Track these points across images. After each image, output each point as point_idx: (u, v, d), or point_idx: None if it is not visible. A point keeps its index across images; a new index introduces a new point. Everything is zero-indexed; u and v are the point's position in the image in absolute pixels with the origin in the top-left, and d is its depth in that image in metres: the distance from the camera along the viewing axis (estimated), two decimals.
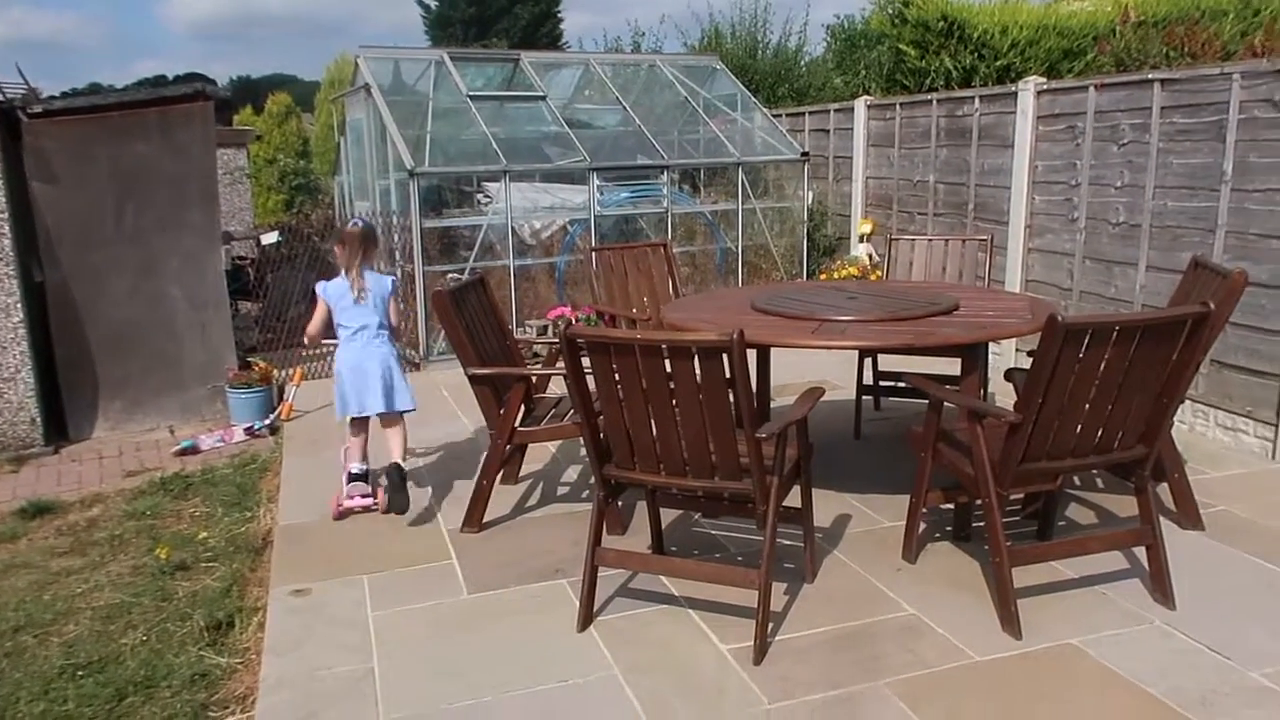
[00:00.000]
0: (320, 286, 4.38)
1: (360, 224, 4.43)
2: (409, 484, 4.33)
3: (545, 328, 7.22)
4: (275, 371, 6.38)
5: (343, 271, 4.33)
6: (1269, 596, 3.29)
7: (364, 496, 4.32)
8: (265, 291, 7.25)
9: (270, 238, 7.35)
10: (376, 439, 4.40)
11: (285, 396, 6.08)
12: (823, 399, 3.45)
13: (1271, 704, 2.66)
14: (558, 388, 4.87)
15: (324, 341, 4.50)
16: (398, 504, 4.25)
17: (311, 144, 15.85)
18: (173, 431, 6.06)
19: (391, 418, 4.37)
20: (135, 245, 6.05)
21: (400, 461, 4.31)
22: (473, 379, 4.01)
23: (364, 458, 4.40)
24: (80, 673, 3.15)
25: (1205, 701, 2.67)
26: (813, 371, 6.09)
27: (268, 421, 5.85)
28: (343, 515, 4.26)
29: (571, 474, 4.74)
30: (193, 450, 5.57)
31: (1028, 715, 2.64)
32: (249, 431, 5.78)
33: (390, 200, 7.63)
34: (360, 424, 4.40)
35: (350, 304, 4.28)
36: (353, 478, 4.35)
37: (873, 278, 7.50)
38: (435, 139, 7.58)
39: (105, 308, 6.02)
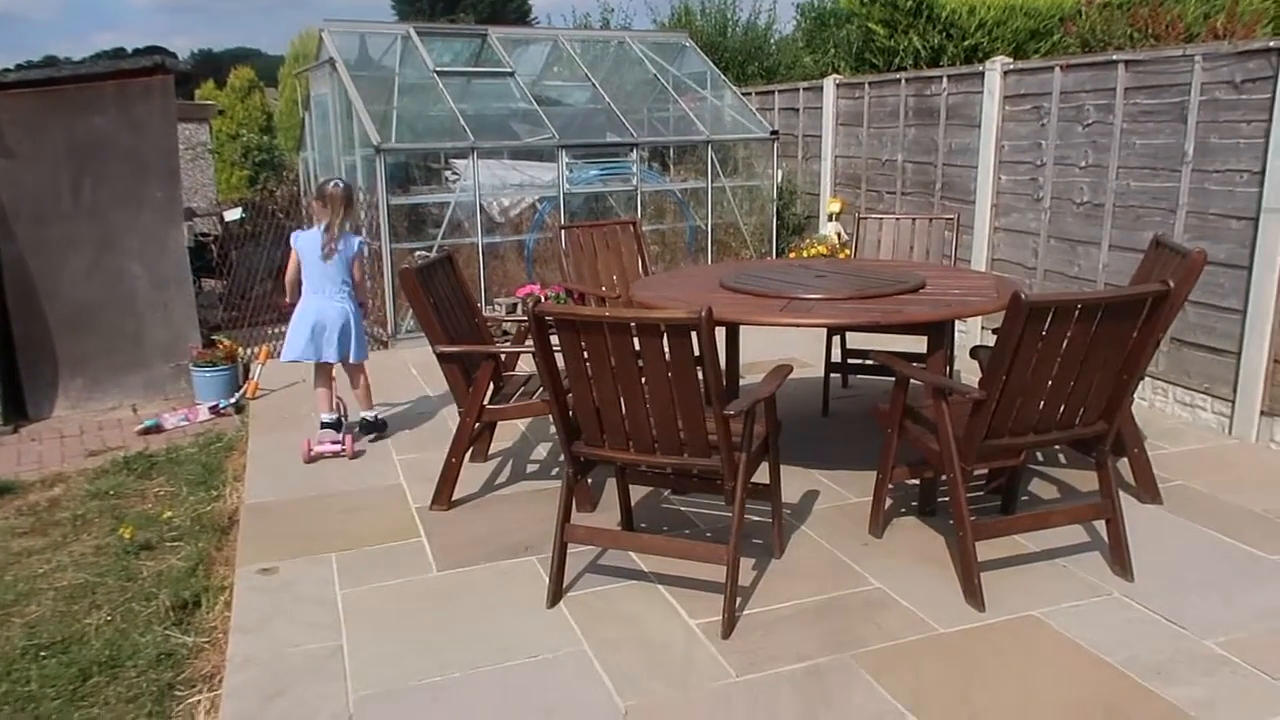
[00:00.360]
0: (294, 236, 4.76)
1: (340, 184, 4.74)
2: (379, 418, 4.91)
3: (514, 305, 7.20)
4: (240, 350, 6.31)
5: (317, 224, 4.69)
6: (1224, 568, 3.37)
7: (333, 443, 4.67)
8: (229, 269, 7.15)
9: (234, 214, 7.24)
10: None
11: (251, 375, 6.02)
12: (791, 376, 3.48)
13: (1224, 671, 2.73)
14: (527, 366, 4.86)
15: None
16: (379, 430, 4.86)
17: (275, 119, 15.60)
18: (135, 410, 5.98)
19: (352, 370, 4.80)
20: (94, 221, 5.94)
21: (368, 416, 4.84)
22: (441, 357, 3.99)
23: (331, 407, 4.81)
24: (43, 653, 3.11)
25: (1161, 670, 2.74)
26: (782, 349, 6.12)
27: (233, 400, 5.79)
28: (313, 460, 4.61)
29: (541, 451, 4.74)
30: (156, 429, 5.50)
31: (990, 685, 2.69)
32: (214, 410, 5.72)
33: (356, 177, 7.54)
34: (324, 376, 4.79)
35: (319, 258, 4.64)
36: (324, 425, 4.77)
37: (841, 256, 7.54)
38: (402, 115, 7.49)
39: (64, 284, 5.90)
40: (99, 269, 5.98)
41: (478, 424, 4.06)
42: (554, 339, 3.00)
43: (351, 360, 4.75)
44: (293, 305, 4.78)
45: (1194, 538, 3.62)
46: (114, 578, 3.64)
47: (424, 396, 5.74)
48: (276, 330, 7.09)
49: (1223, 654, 2.82)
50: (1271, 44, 4.50)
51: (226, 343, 6.17)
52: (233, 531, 3.96)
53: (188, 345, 6.11)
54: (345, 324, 4.69)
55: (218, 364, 5.90)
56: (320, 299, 4.67)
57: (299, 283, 4.74)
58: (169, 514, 4.18)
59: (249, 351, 6.47)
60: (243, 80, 14.40)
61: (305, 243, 4.70)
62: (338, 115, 8.09)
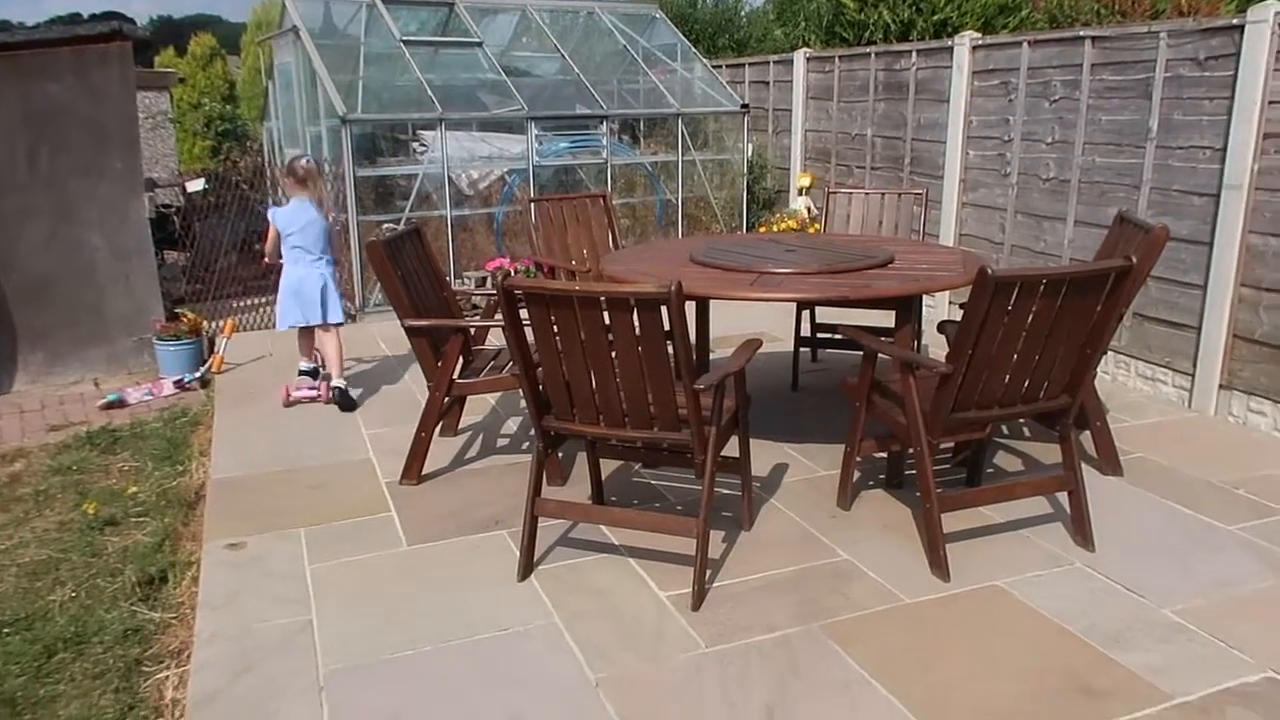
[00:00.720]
0: (271, 212, 5.15)
1: (309, 160, 5.22)
2: (349, 391, 5.10)
3: (484, 279, 7.15)
4: (205, 323, 6.22)
5: (292, 200, 5.09)
6: (1182, 538, 3.45)
7: (310, 389, 5.16)
8: (193, 241, 7.03)
9: (196, 185, 7.11)
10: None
11: (216, 349, 5.94)
12: (761, 351, 3.49)
13: (1181, 638, 2.80)
14: (497, 340, 4.84)
15: (280, 262, 5.17)
16: (348, 408, 5.02)
17: (238, 88, 15.29)
18: (98, 384, 5.89)
19: (327, 328, 5.16)
20: (52, 191, 5.81)
21: (340, 383, 5.07)
22: (409, 331, 3.96)
23: (310, 357, 5.32)
24: (7, 630, 3.08)
25: (1120, 637, 2.80)
26: (752, 324, 6.14)
27: (198, 374, 5.72)
28: (291, 404, 5.07)
29: (511, 426, 4.74)
30: (119, 404, 5.42)
31: (954, 653, 2.74)
32: (178, 384, 5.64)
33: (322, 148, 7.43)
34: (306, 332, 5.26)
35: (298, 230, 5.04)
36: (301, 373, 5.28)
37: (811, 231, 7.56)
38: (368, 85, 7.38)
39: (21, 255, 5.78)
40: (57, 240, 5.85)
41: (447, 398, 4.05)
42: (523, 313, 2.99)
43: (329, 320, 5.14)
44: (272, 265, 5.25)
45: (1154, 509, 3.70)
46: (78, 554, 3.60)
47: (392, 370, 5.70)
48: (242, 304, 7.00)
49: (1179, 622, 2.89)
50: (1235, 21, 4.54)
51: (190, 316, 6.08)
52: (199, 507, 3.92)
53: (150, 319, 6.02)
54: (324, 288, 5.11)
55: (182, 338, 5.82)
56: (302, 268, 5.06)
57: (278, 249, 5.13)
58: (134, 489, 4.13)
59: (214, 325, 6.38)
60: (204, 48, 14.09)
61: (284, 217, 5.06)
62: (302, 85, 7.96)
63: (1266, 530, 3.48)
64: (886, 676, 2.62)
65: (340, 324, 5.19)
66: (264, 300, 7.04)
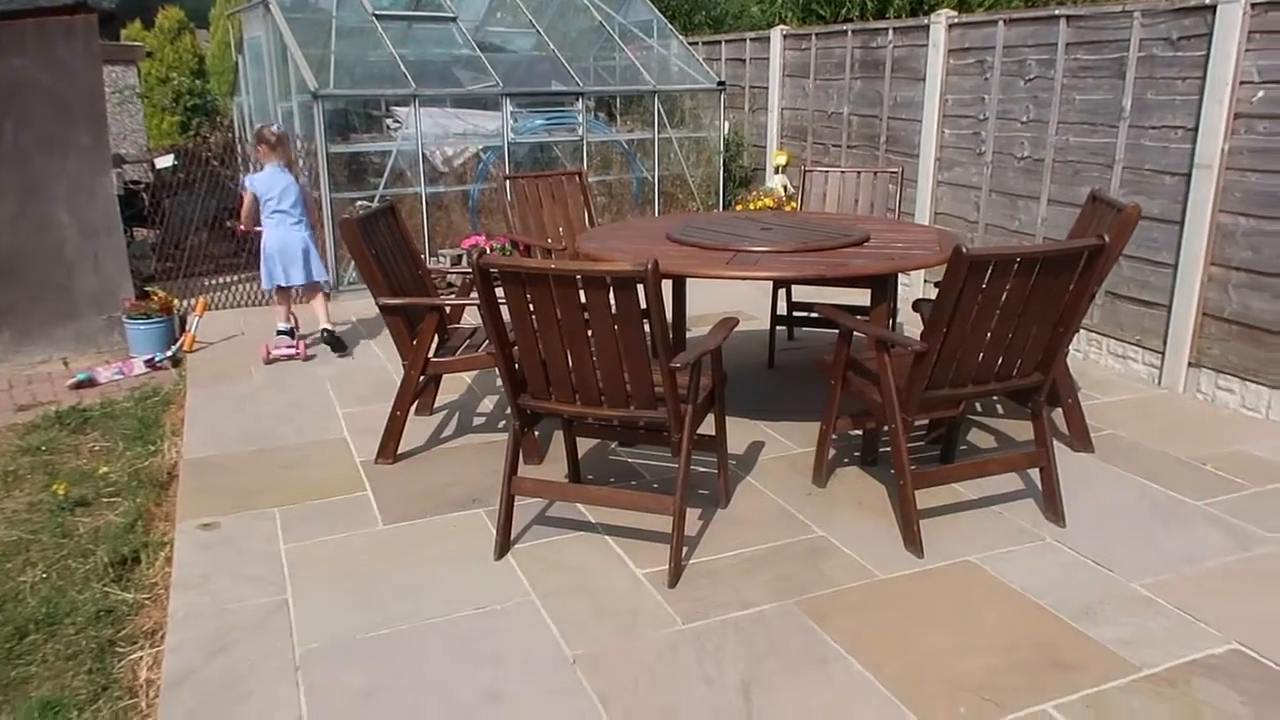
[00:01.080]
0: (248, 180, 5.50)
1: (279, 127, 5.66)
2: (338, 334, 5.60)
3: (459, 257, 7.10)
4: (176, 301, 6.14)
5: (267, 167, 5.41)
6: (1151, 513, 3.50)
7: (288, 347, 5.47)
8: (162, 218, 6.92)
9: (165, 161, 6.98)
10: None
11: (187, 327, 5.86)
12: (738, 329, 3.50)
13: (1149, 611, 2.85)
14: (473, 318, 4.82)
15: (256, 229, 5.54)
16: (340, 349, 5.54)
17: (208, 63, 15.03)
18: (66, 364, 5.80)
19: (311, 288, 5.59)
20: (16, 167, 5.69)
21: (328, 326, 5.57)
22: (384, 309, 3.93)
23: (288, 318, 5.64)
24: None
25: (1089, 611, 2.85)
26: (729, 302, 6.14)
27: (169, 353, 5.65)
28: (271, 361, 5.39)
29: (488, 405, 4.72)
30: (89, 383, 5.35)
31: (928, 628, 2.78)
32: (149, 363, 5.57)
33: (294, 123, 7.32)
34: (284, 293, 5.60)
35: (276, 194, 5.39)
36: (280, 333, 5.58)
37: (787, 209, 7.57)
38: (340, 60, 7.27)
39: None
40: (23, 217, 5.74)
41: (422, 377, 4.03)
42: (499, 291, 2.97)
43: (315, 278, 5.58)
44: (247, 233, 5.62)
45: (1123, 484, 3.75)
46: (48, 535, 3.55)
47: (368, 349, 5.66)
48: (214, 282, 6.92)
49: (1148, 595, 2.94)
50: (1207, 2, 4.57)
51: (161, 294, 6.00)
52: (172, 486, 3.89)
53: (120, 297, 5.93)
54: (305, 249, 5.51)
55: (152, 316, 5.74)
56: (283, 230, 5.45)
57: (255, 216, 5.47)
58: (105, 469, 4.09)
59: (185, 303, 6.29)
60: (172, 21, 13.80)
61: (262, 182, 5.41)
62: (273, 59, 7.83)
63: (1233, 505, 3.55)
64: (862, 651, 2.65)
65: (323, 281, 5.66)
66: (236, 278, 6.96)
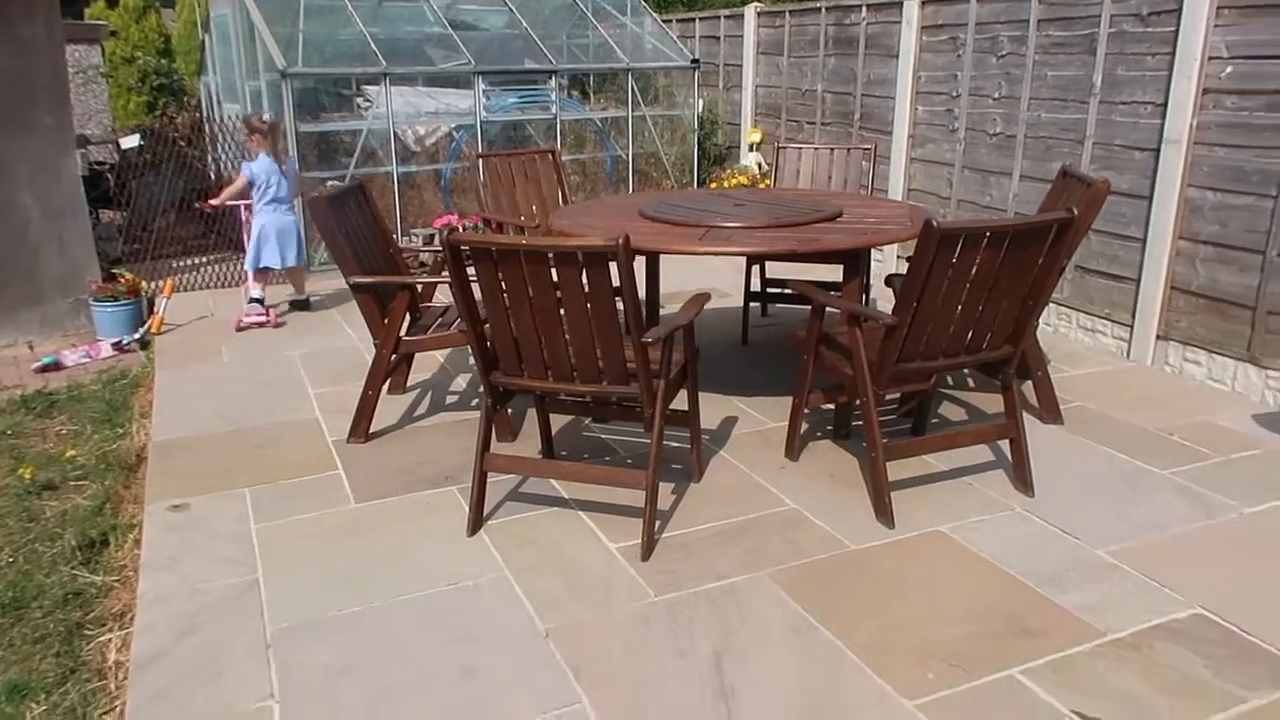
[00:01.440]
0: (246, 168, 5.72)
1: (271, 116, 5.96)
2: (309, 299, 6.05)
3: (432, 237, 7.05)
4: (144, 284, 6.06)
5: (261, 155, 5.67)
6: (1118, 483, 3.55)
7: (259, 315, 5.69)
8: (129, 199, 6.82)
9: (130, 141, 6.86)
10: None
11: (155, 309, 5.79)
12: (711, 306, 3.50)
13: (1115, 577, 2.89)
14: (445, 297, 4.78)
15: (228, 203, 5.84)
16: (307, 306, 6.02)
17: (174, 42, 14.78)
18: (32, 347, 5.71)
19: (295, 268, 5.95)
20: None
21: (300, 297, 6.04)
22: (354, 288, 3.90)
23: (262, 289, 5.84)
24: None
25: (1056, 578, 2.88)
26: (703, 280, 6.14)
27: (137, 335, 5.58)
28: (243, 329, 5.60)
29: (461, 383, 4.70)
30: (55, 366, 5.27)
31: (898, 597, 2.80)
32: (117, 346, 5.50)
33: (262, 103, 7.22)
34: (264, 273, 5.83)
35: (275, 181, 5.68)
36: (252, 300, 5.76)
37: (761, 186, 7.56)
38: (309, 38, 7.17)
39: None
40: None
41: (394, 356, 4.00)
42: (471, 269, 2.95)
43: (302, 261, 5.96)
44: (218, 208, 5.93)
45: (1091, 455, 3.79)
46: (15, 519, 3.51)
47: (339, 329, 5.62)
48: (182, 263, 6.83)
49: (1113, 562, 2.98)
50: None
51: (128, 276, 5.92)
52: (141, 469, 3.85)
53: (86, 279, 5.85)
54: (298, 234, 5.85)
55: (119, 299, 5.67)
56: (279, 216, 5.74)
57: (236, 196, 5.75)
58: (72, 453, 4.04)
59: (153, 286, 6.21)
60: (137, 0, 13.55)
61: (261, 169, 5.66)
62: (240, 37, 7.72)
63: (1197, 474, 3.60)
64: (832, 621, 2.67)
65: (303, 263, 6.05)
66: (205, 260, 6.88)
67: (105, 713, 2.50)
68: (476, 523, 3.21)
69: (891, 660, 2.50)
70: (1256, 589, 2.83)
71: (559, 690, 2.40)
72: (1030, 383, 4.15)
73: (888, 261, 6.72)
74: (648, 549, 3.03)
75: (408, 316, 4.03)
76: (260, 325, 5.65)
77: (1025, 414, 3.65)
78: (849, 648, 2.55)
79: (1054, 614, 2.70)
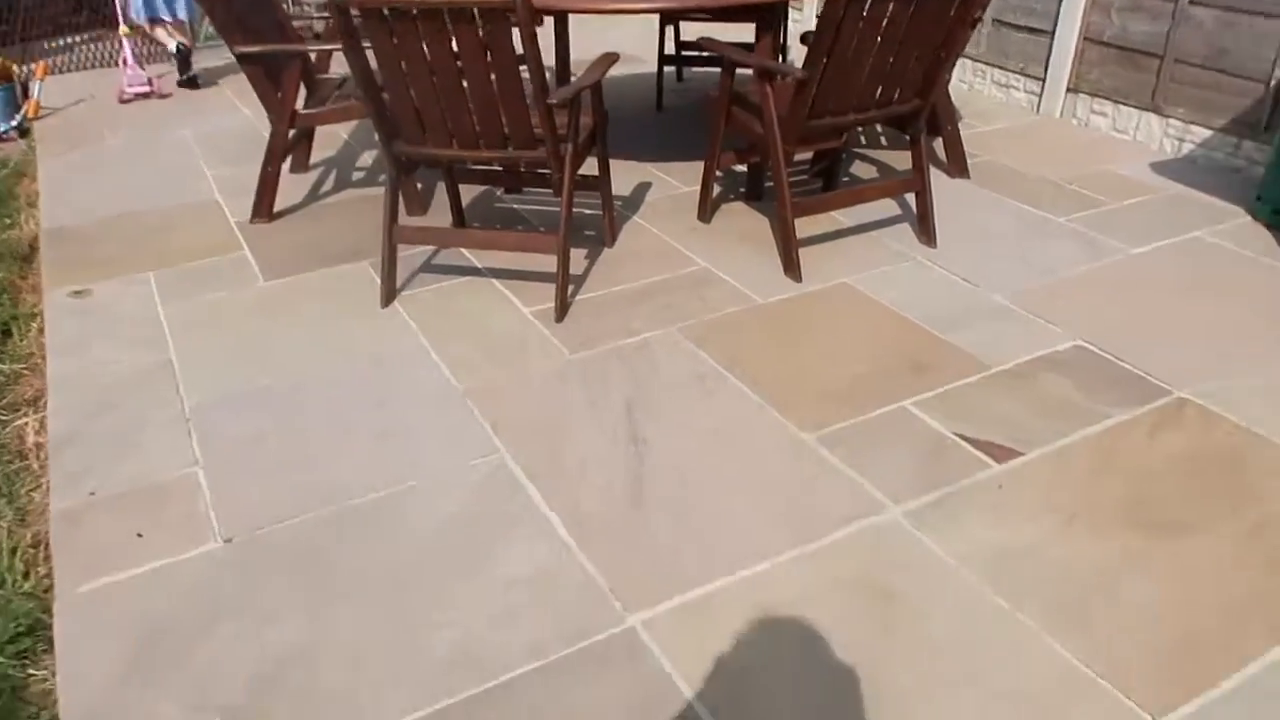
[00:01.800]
0: None
1: None
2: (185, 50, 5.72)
3: (325, 3, 6.57)
4: (15, 67, 5.59)
5: None
6: (1019, 232, 3.66)
7: (143, 85, 5.51)
8: None
9: None
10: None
11: (31, 94, 5.38)
12: (626, 72, 3.40)
13: (1006, 319, 3.05)
14: (342, 66, 4.53)
15: None
16: (187, 69, 5.71)
17: None
18: None
19: (179, 21, 5.73)
20: None
21: (177, 44, 5.69)
22: (240, 58, 3.66)
23: (183, 38, 5.75)
24: None
25: (953, 321, 3.03)
26: (615, 47, 5.87)
27: (14, 123, 5.20)
28: (126, 101, 5.47)
29: (367, 159, 4.55)
30: None
31: (804, 343, 2.92)
32: None
33: None
34: (158, 22, 5.63)
35: None
36: (175, 53, 5.70)
37: None
38: None
39: None
40: None
41: (292, 131, 3.83)
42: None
43: (180, 16, 5.68)
44: None
45: (995, 207, 3.89)
46: None
47: (233, 108, 5.33)
48: (54, 44, 6.31)
49: (1007, 305, 3.13)
50: None
51: None
52: (34, 258, 3.71)
53: None
54: None
55: None
56: None
57: None
58: None
59: (25, 69, 5.74)
60: None
61: None
62: None
63: (1093, 220, 3.73)
64: (739, 368, 2.79)
65: (188, 19, 5.83)
66: (78, 39, 6.36)
67: (33, 489, 2.53)
68: (389, 295, 3.21)
69: (794, 399, 2.64)
70: (1132, 322, 3.02)
71: (478, 443, 2.50)
72: (940, 139, 4.17)
73: (807, 21, 6.50)
74: (561, 310, 3.08)
75: (303, 89, 3.83)
76: (145, 96, 5.45)
77: (934, 170, 3.70)
78: (753, 391, 2.68)
79: (945, 351, 2.86)
